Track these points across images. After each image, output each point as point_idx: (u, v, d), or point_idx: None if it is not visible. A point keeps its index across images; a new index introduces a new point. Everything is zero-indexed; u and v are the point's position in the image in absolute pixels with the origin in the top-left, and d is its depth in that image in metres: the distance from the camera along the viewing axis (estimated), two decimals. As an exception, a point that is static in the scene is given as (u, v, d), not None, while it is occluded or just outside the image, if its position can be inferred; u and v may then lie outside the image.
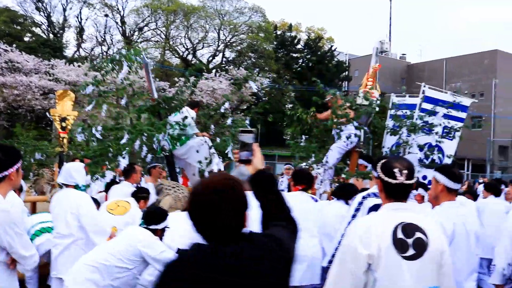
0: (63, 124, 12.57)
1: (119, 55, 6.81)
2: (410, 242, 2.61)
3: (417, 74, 53.41)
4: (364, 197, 4.90)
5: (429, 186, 5.69)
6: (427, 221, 2.79)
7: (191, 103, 7.57)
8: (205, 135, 7.30)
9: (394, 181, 2.71)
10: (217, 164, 7.11)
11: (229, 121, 7.03)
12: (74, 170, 5.06)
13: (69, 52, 41.73)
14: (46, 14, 42.09)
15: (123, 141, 6.34)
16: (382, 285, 2.57)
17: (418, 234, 2.64)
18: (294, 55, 49.08)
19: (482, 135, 48.28)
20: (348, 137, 7.08)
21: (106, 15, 43.63)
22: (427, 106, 7.98)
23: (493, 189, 7.82)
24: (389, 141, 8.30)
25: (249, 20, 44.58)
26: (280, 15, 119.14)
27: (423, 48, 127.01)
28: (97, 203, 5.94)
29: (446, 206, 4.00)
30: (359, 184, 7.12)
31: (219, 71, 41.40)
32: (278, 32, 49.18)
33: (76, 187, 5.07)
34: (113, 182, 7.13)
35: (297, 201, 5.09)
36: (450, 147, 8.16)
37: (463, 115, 8.24)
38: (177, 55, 46.53)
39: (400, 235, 2.62)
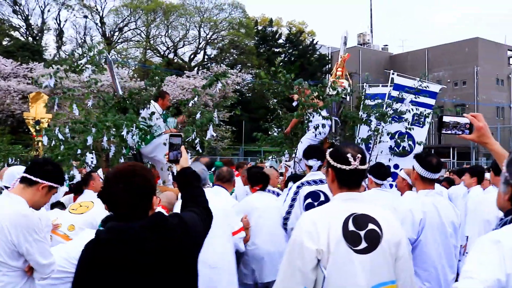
0: (37, 127, 12.39)
1: (82, 54, 6.70)
2: (362, 234, 2.46)
3: (400, 65, 53.54)
4: (298, 186, 4.94)
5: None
6: (381, 211, 2.65)
7: (155, 96, 7.44)
8: (172, 131, 7.20)
9: (348, 167, 2.58)
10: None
11: (198, 115, 6.95)
12: (18, 173, 4.93)
13: (48, 55, 41.31)
14: (24, 17, 41.59)
15: (89, 137, 6.22)
16: (333, 282, 2.40)
17: (371, 226, 2.49)
18: (276, 50, 48.97)
19: (467, 123, 48.51)
20: (316, 128, 7.01)
21: (85, 16, 43.34)
22: (396, 93, 7.95)
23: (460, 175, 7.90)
24: (362, 131, 8.26)
25: (229, 16, 44.48)
26: (261, 10, 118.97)
27: (405, 39, 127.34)
28: (63, 206, 5.80)
29: (421, 194, 4.03)
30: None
31: (201, 68, 41.30)
32: (259, 28, 49.06)
33: None
34: (79, 183, 6.99)
35: (258, 202, 5.38)
36: (420, 134, 8.13)
37: (431, 101, 8.21)
38: (158, 54, 46.25)
39: (351, 227, 2.46)
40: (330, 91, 7.44)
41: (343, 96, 7.71)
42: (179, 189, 2.73)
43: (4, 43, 37.66)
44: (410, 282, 2.62)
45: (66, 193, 7.40)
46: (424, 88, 7.84)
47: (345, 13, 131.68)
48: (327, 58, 49.46)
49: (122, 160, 7.50)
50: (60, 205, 5.94)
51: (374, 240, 2.48)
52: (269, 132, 8.07)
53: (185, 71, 34.80)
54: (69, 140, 6.79)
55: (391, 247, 2.52)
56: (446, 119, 2.34)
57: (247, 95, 42.03)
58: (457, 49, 51.37)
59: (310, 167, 5.04)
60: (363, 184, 5.80)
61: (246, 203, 5.41)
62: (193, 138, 6.78)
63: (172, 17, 42.93)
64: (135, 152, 7.15)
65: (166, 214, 2.34)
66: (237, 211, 5.09)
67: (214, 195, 4.70)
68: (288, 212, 4.92)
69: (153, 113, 6.92)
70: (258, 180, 5.59)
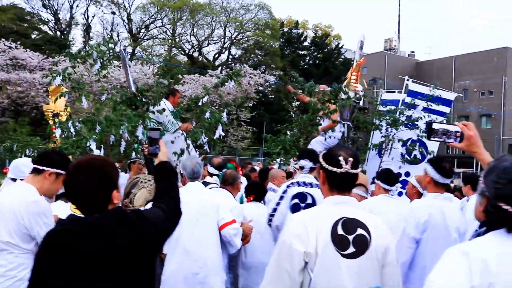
0: (56, 120, 12.50)
1: (91, 47, 6.75)
2: (350, 239, 2.45)
3: (426, 72, 53.03)
4: (288, 186, 5.05)
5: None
6: (372, 216, 2.65)
7: (166, 93, 7.47)
8: (188, 127, 7.21)
9: (339, 170, 2.55)
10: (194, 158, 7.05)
11: (207, 114, 6.94)
12: (22, 165, 5.07)
13: (75, 49, 41.80)
14: (53, 12, 42.34)
15: (92, 141, 6.27)
16: (319, 285, 2.40)
17: (359, 231, 2.48)
18: (301, 52, 48.93)
19: (492, 133, 47.87)
20: (325, 132, 6.95)
21: (113, 13, 43.87)
22: (409, 100, 7.82)
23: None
24: (376, 137, 8.16)
25: (255, 17, 44.56)
26: (287, 12, 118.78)
27: (432, 46, 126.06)
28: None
29: (430, 197, 4.17)
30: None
31: (224, 68, 41.44)
32: (285, 29, 49.09)
33: None
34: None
35: (250, 212, 5.42)
36: (433, 142, 7.96)
37: (445, 109, 8.05)
38: (183, 53, 46.56)
39: (340, 231, 2.46)
40: (342, 95, 7.36)
41: (356, 100, 7.64)
42: (155, 182, 2.75)
43: (33, 36, 38.36)
44: None
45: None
46: (438, 96, 7.69)
47: (372, 18, 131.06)
48: (352, 63, 49.09)
49: (134, 155, 7.57)
50: (64, 196, 6.01)
51: (362, 245, 2.47)
52: (288, 134, 7.93)
53: (208, 70, 34.92)
54: (81, 132, 6.86)
55: (379, 253, 2.50)
56: (435, 126, 2.34)
57: (270, 96, 42.05)
58: (485, 58, 50.62)
59: (302, 168, 5.15)
60: (359, 194, 5.78)
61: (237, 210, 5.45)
62: (203, 141, 6.78)
63: (198, 16, 43.18)
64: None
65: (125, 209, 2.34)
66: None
67: (218, 193, 4.70)
68: (274, 209, 5.04)
69: (163, 109, 6.93)
70: (250, 191, 5.74)
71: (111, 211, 2.23)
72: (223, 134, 6.84)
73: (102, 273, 2.13)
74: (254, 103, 33.80)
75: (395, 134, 7.49)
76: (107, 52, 6.89)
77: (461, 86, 51.61)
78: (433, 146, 7.93)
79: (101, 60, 6.58)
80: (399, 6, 62.39)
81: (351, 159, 2.57)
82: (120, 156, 8.68)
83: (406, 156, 7.69)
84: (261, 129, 35.25)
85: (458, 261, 1.75)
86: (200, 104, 7.10)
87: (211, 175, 6.94)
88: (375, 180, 5.75)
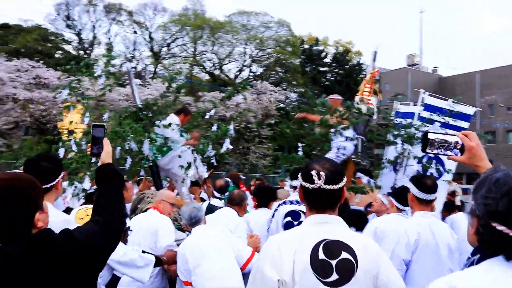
0: (71, 137, 12.48)
1: (93, 60, 6.69)
2: (333, 264, 2.15)
3: (450, 87, 52.34)
4: (279, 205, 4.99)
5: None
6: (359, 237, 2.34)
7: (176, 110, 7.36)
8: (188, 143, 7.06)
9: (311, 186, 2.25)
10: (202, 172, 6.90)
11: (214, 127, 6.79)
12: None
13: (99, 69, 42.32)
14: (76, 32, 43.04)
15: None
16: None
17: (344, 255, 2.17)
18: (322, 69, 48.78)
19: (518, 149, 47.00)
20: (338, 149, 6.68)
21: (135, 32, 44.41)
22: (426, 114, 7.47)
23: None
24: (391, 152, 7.82)
25: (276, 34, 44.47)
26: (307, 29, 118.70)
27: (456, 61, 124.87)
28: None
29: (417, 216, 4.05)
30: (351, 198, 6.72)
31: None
32: (305, 46, 48.99)
33: None
34: (92, 193, 6.94)
35: (255, 221, 5.38)
36: (451, 160, 7.56)
37: (464, 124, 7.64)
38: (204, 71, 46.74)
39: (321, 255, 2.16)
40: (355, 110, 7.09)
41: (369, 114, 7.36)
42: (96, 183, 2.45)
43: (56, 55, 38.97)
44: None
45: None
46: (457, 112, 7.32)
47: (394, 34, 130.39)
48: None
49: (142, 172, 7.43)
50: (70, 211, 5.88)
51: (347, 271, 2.15)
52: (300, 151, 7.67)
53: (228, 88, 34.96)
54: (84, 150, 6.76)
55: (368, 279, 2.18)
56: (431, 136, 2.02)
57: (292, 113, 41.91)
58: (511, 72, 49.80)
59: (295, 188, 5.15)
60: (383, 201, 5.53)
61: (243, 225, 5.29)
62: (209, 153, 6.63)
63: (219, 34, 43.35)
64: (151, 164, 7.01)
65: (54, 231, 2.03)
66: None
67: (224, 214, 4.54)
68: (268, 226, 5.01)
69: (169, 124, 6.79)
70: (257, 196, 5.71)
71: (35, 237, 1.96)
72: (231, 147, 6.65)
73: None
74: (276, 120, 33.63)
75: (410, 150, 7.14)
76: (115, 69, 6.84)
77: (486, 101, 50.77)
78: (451, 164, 7.47)
79: (105, 73, 6.51)
80: (421, 21, 61.85)
81: (323, 173, 2.25)
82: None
83: (421, 173, 7.33)
84: (282, 146, 35.04)
85: None
86: (207, 117, 6.95)
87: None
88: (390, 197, 5.48)
